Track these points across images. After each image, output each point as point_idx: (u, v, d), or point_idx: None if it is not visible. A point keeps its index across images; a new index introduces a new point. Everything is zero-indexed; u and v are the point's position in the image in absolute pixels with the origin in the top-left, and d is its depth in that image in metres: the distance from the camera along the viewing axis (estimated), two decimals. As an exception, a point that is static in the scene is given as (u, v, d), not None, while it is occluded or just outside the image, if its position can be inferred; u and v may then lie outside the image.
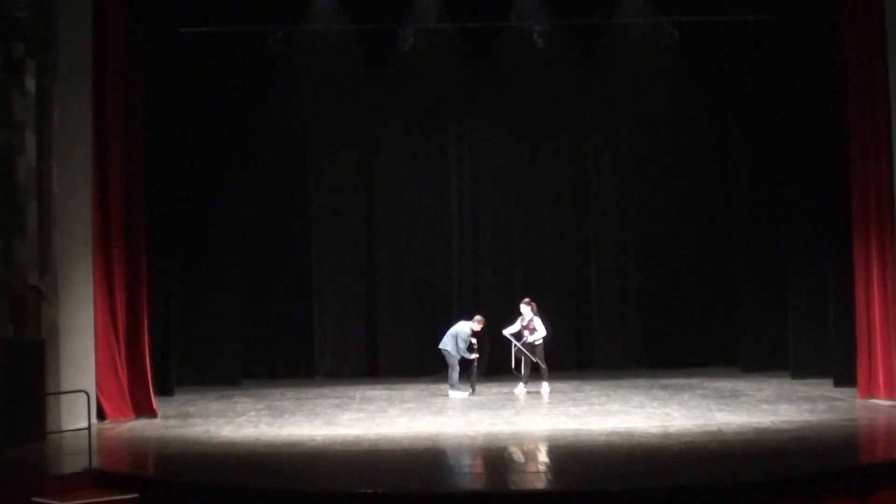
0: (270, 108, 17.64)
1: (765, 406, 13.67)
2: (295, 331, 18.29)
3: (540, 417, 13.37)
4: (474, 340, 15.54)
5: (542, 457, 10.75)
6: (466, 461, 10.86)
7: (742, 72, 17.15)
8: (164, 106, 15.70)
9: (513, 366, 15.72)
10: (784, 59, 16.13)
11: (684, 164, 18.30)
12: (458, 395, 15.35)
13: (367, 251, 18.53)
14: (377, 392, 16.27)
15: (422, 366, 17.16)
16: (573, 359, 18.55)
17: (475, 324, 15.57)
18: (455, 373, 15.37)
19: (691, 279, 18.48)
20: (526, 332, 15.69)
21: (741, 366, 17.77)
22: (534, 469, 10.17)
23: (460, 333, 15.48)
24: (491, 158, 18.56)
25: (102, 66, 13.45)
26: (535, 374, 15.96)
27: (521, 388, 15.81)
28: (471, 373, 15.67)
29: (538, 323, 15.67)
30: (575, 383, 16.82)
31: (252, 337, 17.99)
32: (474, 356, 15.48)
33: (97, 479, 9.78)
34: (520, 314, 15.79)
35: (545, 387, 15.78)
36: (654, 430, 11.85)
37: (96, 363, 13.32)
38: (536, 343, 15.71)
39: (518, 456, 10.88)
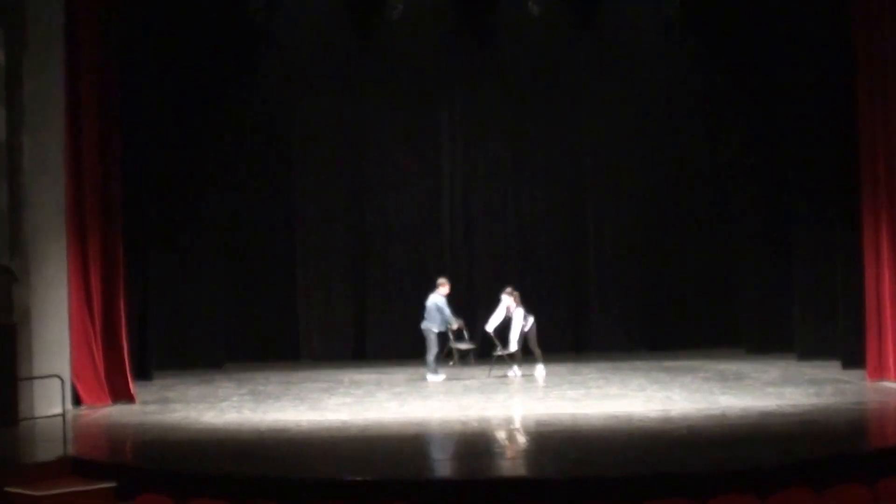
0: (253, 85, 17.49)
1: (770, 389, 13.64)
2: (279, 312, 18.29)
3: (535, 401, 13.31)
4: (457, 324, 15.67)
5: (538, 442, 10.67)
6: (459, 447, 10.78)
7: (746, 46, 16.86)
8: (142, 82, 15.59)
9: (498, 351, 15.71)
10: (790, 33, 15.89)
11: (686, 141, 18.17)
12: (436, 378, 15.30)
13: (356, 232, 18.47)
14: (366, 376, 16.18)
15: (412, 349, 16.95)
16: (570, 341, 18.52)
17: (442, 288, 15.47)
18: (432, 355, 15.32)
19: (693, 258, 18.44)
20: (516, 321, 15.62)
21: (745, 347, 17.77)
22: (529, 455, 10.14)
23: (436, 304, 15.37)
24: (485, 136, 18.41)
25: (76, 41, 13.35)
26: (528, 357, 15.86)
27: (511, 371, 15.74)
28: (465, 354, 15.96)
29: (518, 315, 15.42)
30: (572, 366, 16.75)
31: (234, 319, 17.96)
32: (457, 325, 15.56)
33: (73, 467, 9.76)
34: (507, 305, 15.58)
35: (540, 369, 15.69)
36: (654, 414, 11.82)
37: (71, 347, 13.27)
38: (525, 330, 15.52)
39: (513, 441, 10.88)
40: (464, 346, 16.41)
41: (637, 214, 18.65)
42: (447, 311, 15.42)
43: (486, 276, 18.29)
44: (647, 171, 18.52)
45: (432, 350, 15.50)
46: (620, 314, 18.72)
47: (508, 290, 15.75)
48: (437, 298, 15.52)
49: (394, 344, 18.10)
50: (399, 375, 16.17)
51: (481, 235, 18.54)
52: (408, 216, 18.47)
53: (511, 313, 15.57)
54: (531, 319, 15.58)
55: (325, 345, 18.55)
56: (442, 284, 15.56)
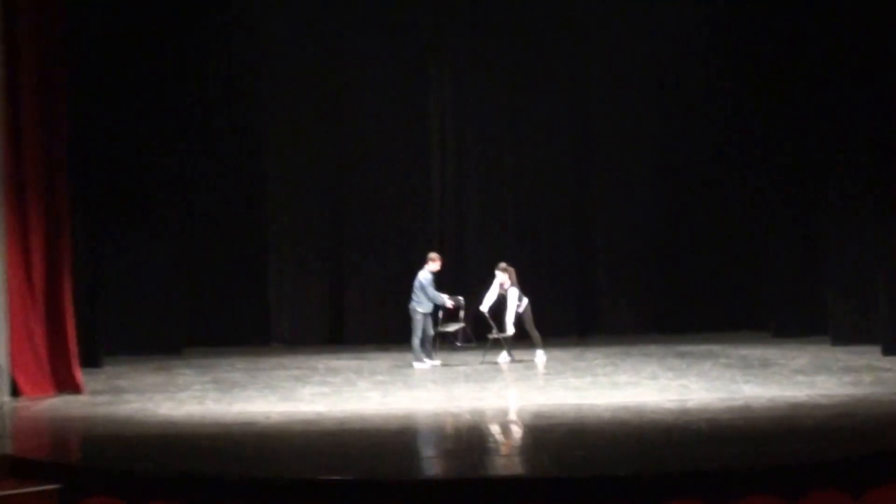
0: (216, 33, 17.52)
1: (800, 377, 13.63)
2: (246, 291, 18.46)
3: (535, 391, 13.34)
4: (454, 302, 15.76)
5: (538, 437, 10.68)
6: (449, 442, 10.80)
7: (784, 11, 17.00)
8: (91, 34, 15.57)
9: (494, 333, 15.87)
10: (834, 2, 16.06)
11: (707, 101, 18.21)
12: (423, 365, 15.47)
13: (333, 200, 18.61)
14: (344, 362, 16.27)
15: (397, 332, 16.98)
16: (574, 323, 18.64)
17: (431, 264, 15.54)
18: (417, 339, 15.45)
19: (713, 231, 18.57)
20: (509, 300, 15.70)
21: (772, 330, 17.92)
22: (528, 451, 10.13)
23: (420, 281, 15.45)
24: (478, 89, 18.49)
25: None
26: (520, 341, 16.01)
27: (504, 357, 15.95)
28: (453, 336, 16.32)
29: (513, 294, 15.48)
30: (576, 351, 16.88)
31: (196, 298, 18.08)
32: (452, 304, 15.60)
33: (11, 467, 9.70)
34: (501, 282, 15.67)
35: (540, 355, 15.81)
36: (668, 406, 11.82)
37: (8, 330, 13.21)
38: (520, 311, 15.66)
39: (509, 436, 10.92)
40: (451, 327, 16.49)
41: (651, 182, 18.75)
42: (431, 289, 15.47)
43: (479, 249, 18.39)
44: (663, 135, 18.59)
45: (417, 333, 15.55)
46: (631, 293, 18.82)
47: (502, 265, 15.75)
48: (423, 275, 15.58)
49: (376, 326, 18.26)
50: (382, 362, 16.22)
51: (474, 205, 18.65)
52: (391, 183, 18.54)
53: (505, 291, 15.60)
54: (525, 300, 15.63)
55: (298, 327, 18.71)
56: (431, 259, 15.65)
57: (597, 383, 13.71)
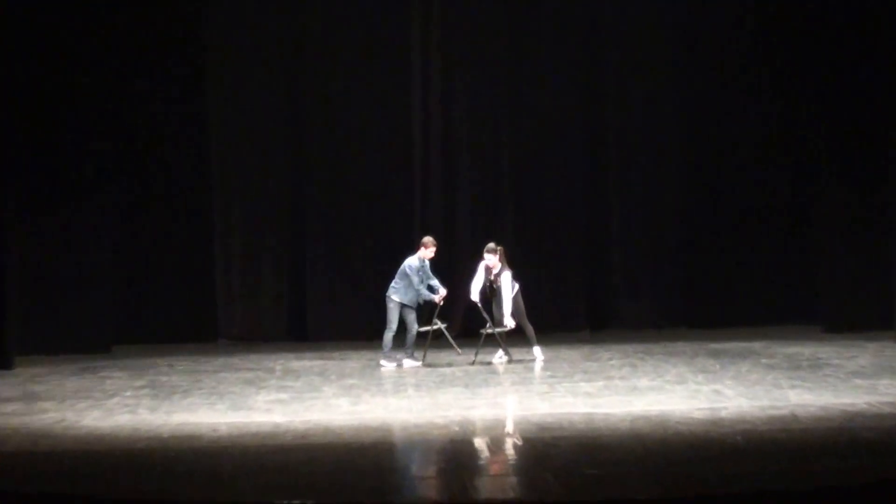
0: (154, 3, 18.15)
1: (858, 380, 13.66)
2: (190, 279, 18.75)
3: (538, 398, 13.30)
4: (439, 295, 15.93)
5: (541, 452, 10.60)
6: (433, 460, 10.75)
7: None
8: (10, 8, 16.35)
9: (487, 328, 16.00)
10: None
11: (746, 51, 18.63)
12: (389, 365, 15.75)
13: (293, 172, 18.81)
14: (306, 363, 16.42)
15: (370, 327, 17.16)
16: (584, 315, 18.77)
17: (423, 250, 15.75)
18: (389, 333, 15.70)
19: (753, 211, 18.82)
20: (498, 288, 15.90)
21: (824, 324, 18.20)
22: (528, 470, 10.09)
23: (407, 265, 15.71)
24: (468, 42, 18.64)
25: None
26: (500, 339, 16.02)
27: (499, 356, 16.13)
28: (436, 335, 16.19)
29: (506, 280, 15.61)
30: (587, 349, 17.05)
31: (128, 288, 18.38)
32: (437, 296, 15.78)
33: None
34: (485, 267, 15.82)
35: (538, 353, 15.99)
36: (698, 415, 11.81)
37: None
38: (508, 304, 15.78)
39: (506, 452, 10.86)
40: (432, 326, 16.44)
41: (676, 152, 18.93)
42: (416, 278, 15.65)
43: (471, 228, 18.57)
44: (691, 94, 18.85)
45: (390, 325, 15.74)
46: (652, 281, 18.97)
47: (491, 245, 15.84)
48: (410, 261, 15.84)
49: (344, 321, 18.48)
50: (352, 362, 16.29)
51: (465, 176, 18.80)
52: (364, 154, 18.69)
53: (495, 277, 15.70)
54: (516, 286, 15.79)
55: (250, 322, 18.99)
56: (424, 245, 15.93)
57: (612, 388, 13.69)
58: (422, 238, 16.15)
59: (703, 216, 19.01)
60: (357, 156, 18.74)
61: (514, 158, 18.99)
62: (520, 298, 15.88)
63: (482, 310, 16.00)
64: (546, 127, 18.95)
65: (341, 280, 18.81)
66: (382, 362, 15.82)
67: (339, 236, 18.81)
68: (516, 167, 19.01)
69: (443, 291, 15.90)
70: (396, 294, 15.73)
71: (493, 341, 16.20)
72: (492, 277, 15.76)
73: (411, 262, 15.77)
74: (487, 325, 16.04)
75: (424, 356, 16.27)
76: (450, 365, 16.02)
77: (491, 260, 15.70)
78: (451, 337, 16.52)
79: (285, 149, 18.85)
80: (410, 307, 15.82)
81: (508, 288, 15.67)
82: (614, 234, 19.19)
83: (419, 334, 16.14)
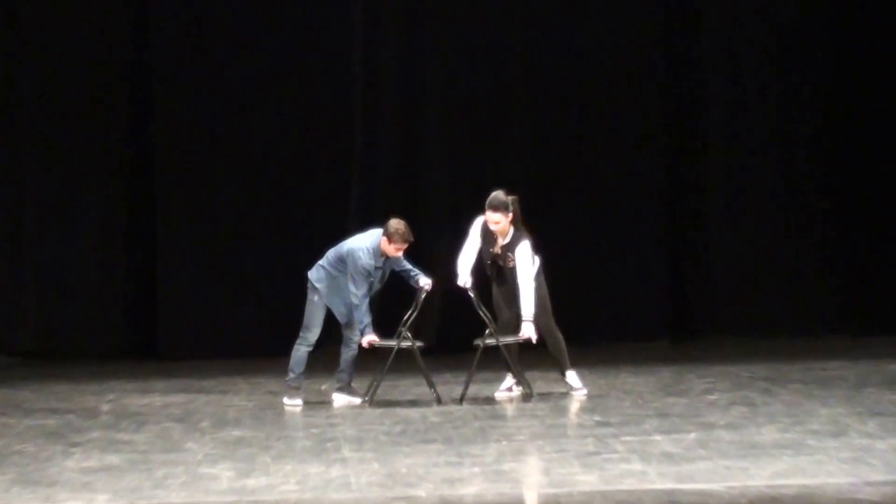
0: None
1: None
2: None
3: (577, 462, 11.53)
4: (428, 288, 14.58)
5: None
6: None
7: None
8: None
9: (486, 338, 14.65)
10: None
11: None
12: (345, 399, 14.88)
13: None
14: (158, 399, 15.54)
15: (267, 338, 17.59)
16: (661, 318, 18.77)
17: (387, 243, 14.45)
18: (303, 348, 14.77)
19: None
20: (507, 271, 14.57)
21: None
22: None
23: (352, 259, 14.40)
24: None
25: None
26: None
27: (507, 386, 14.86)
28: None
29: (524, 252, 14.25)
30: (667, 373, 16.26)
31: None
32: (422, 281, 14.72)
33: None
34: (485, 231, 14.59)
35: (573, 380, 14.66)
36: (872, 495, 10.23)
37: None
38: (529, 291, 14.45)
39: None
40: (397, 339, 15.09)
41: (798, 105, 19.37)
42: (362, 282, 14.46)
43: (451, 188, 18.62)
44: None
45: (305, 333, 14.62)
46: (758, 269, 19.00)
47: (499, 197, 14.37)
48: (360, 250, 14.74)
49: (221, 327, 18.58)
50: (236, 397, 15.54)
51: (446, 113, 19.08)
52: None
53: (501, 248, 14.39)
54: (537, 261, 14.65)
55: (59, 328, 18.89)
56: (389, 236, 14.75)
57: (712, 444, 11.89)
58: (387, 222, 14.56)
59: (839, 185, 19.45)
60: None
61: (577, 127, 19.34)
62: (543, 284, 14.41)
63: (477, 304, 14.29)
64: (618, 92, 19.44)
65: (215, 265, 18.84)
66: (287, 399, 14.46)
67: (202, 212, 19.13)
68: (577, 138, 19.32)
69: (425, 281, 14.61)
70: (320, 283, 14.39)
71: (495, 359, 14.69)
72: (497, 250, 14.11)
73: (360, 253, 14.30)
74: (487, 331, 14.25)
75: (374, 389, 14.65)
76: (417, 404, 14.50)
77: (498, 221, 14.14)
78: (423, 358, 15.04)
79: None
80: (343, 308, 14.73)
81: (528, 267, 14.07)
82: (706, 214, 19.57)
83: (369, 351, 14.74)
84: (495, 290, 14.44)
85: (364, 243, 14.17)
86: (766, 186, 19.93)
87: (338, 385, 14.49)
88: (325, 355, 15.63)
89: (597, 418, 13.29)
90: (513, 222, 14.13)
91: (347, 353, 14.38)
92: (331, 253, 14.42)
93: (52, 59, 19.50)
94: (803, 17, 20.17)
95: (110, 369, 17.61)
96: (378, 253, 14.17)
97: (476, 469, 11.15)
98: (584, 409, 14.02)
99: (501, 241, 14.13)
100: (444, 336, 17.52)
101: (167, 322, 18.83)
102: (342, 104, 19.63)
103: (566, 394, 14.53)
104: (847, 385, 15.11)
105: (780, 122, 19.90)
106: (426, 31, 19.61)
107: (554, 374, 14.87)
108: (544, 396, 14.54)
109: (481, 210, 14.67)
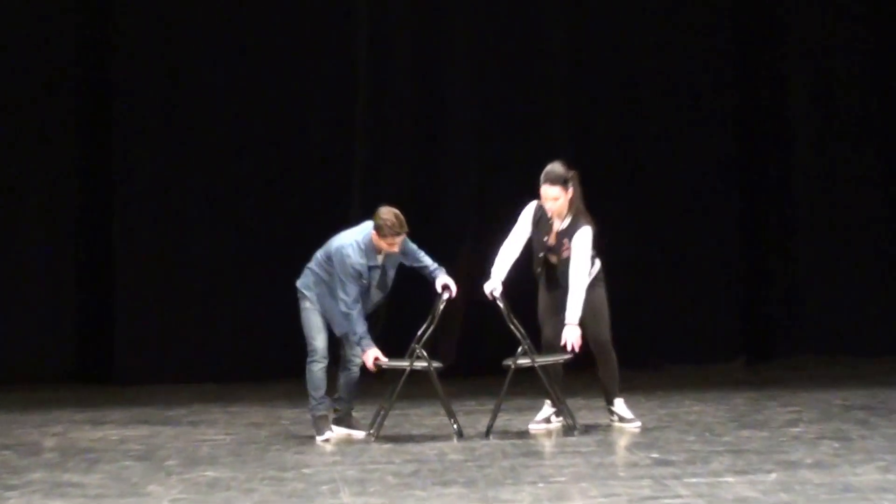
0: None
1: None
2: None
3: None
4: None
5: None
6: None
7: None
8: None
9: (519, 357, 13.81)
10: None
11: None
12: (344, 432, 14.18)
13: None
14: (114, 432, 14.83)
15: (258, 362, 17.56)
16: (732, 334, 18.56)
17: (376, 238, 13.79)
18: (318, 367, 14.03)
19: None
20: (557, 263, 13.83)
21: None
22: None
23: (338, 257, 13.80)
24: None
25: None
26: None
27: (545, 417, 14.13)
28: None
29: (584, 237, 13.48)
30: (741, 399, 15.70)
31: None
32: (442, 284, 13.97)
33: None
34: (538, 217, 13.81)
35: (622, 409, 13.96)
36: None
37: None
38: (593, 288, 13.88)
39: None
40: (410, 360, 14.31)
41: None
42: (351, 286, 13.89)
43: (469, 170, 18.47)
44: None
45: (312, 350, 13.76)
46: (850, 271, 18.70)
47: (557, 168, 13.35)
48: (346, 246, 13.99)
49: (194, 343, 18.28)
50: (213, 429, 14.81)
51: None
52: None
53: (556, 234, 13.47)
54: (597, 264, 13.92)
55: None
56: (378, 229, 14.03)
57: (797, 487, 10.98)
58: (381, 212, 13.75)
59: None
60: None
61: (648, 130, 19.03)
62: (603, 292, 13.63)
63: (507, 315, 13.34)
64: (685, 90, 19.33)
65: (184, 273, 18.57)
66: (318, 435, 13.64)
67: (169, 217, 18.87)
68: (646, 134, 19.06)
69: (444, 281, 13.88)
70: (312, 291, 13.78)
71: (530, 384, 14.03)
72: (552, 240, 13.17)
73: (348, 250, 13.65)
74: (520, 348, 13.27)
75: (381, 420, 13.84)
76: (433, 438, 13.71)
77: (557, 197, 13.31)
78: (442, 382, 14.10)
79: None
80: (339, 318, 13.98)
81: (585, 258, 13.24)
82: (789, 217, 19.35)
83: (374, 373, 13.89)
84: (543, 296, 13.54)
85: (354, 238, 13.48)
86: (858, 180, 19.40)
87: (335, 415, 13.62)
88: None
89: (654, 455, 12.29)
90: (572, 203, 13.25)
91: (346, 376, 13.60)
92: (319, 253, 13.75)
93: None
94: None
95: (56, 396, 17.11)
96: (372, 249, 13.47)
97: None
98: (638, 445, 13.02)
99: (558, 226, 13.27)
100: (468, 355, 16.98)
101: (125, 340, 18.11)
102: (338, 85, 18.97)
103: (612, 423, 13.83)
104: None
105: (868, 127, 19.52)
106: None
107: (599, 400, 14.19)
108: (590, 429, 13.62)
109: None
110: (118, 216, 18.87)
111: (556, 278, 13.28)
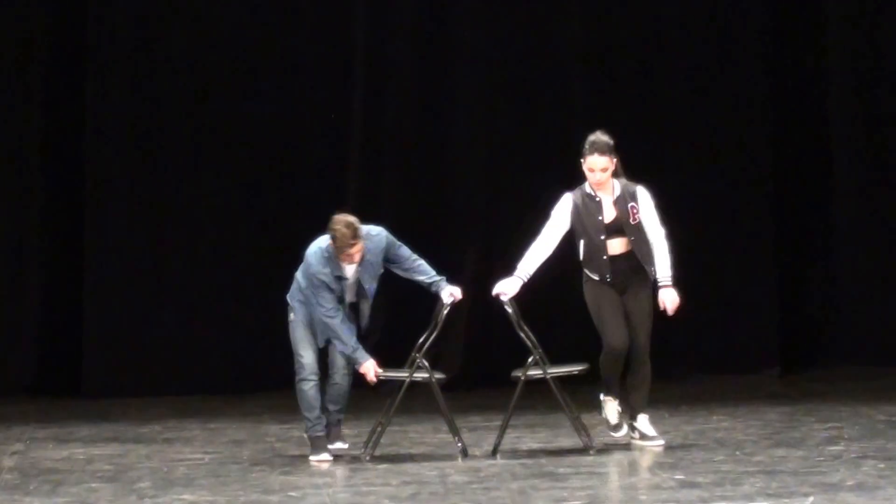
0: None
1: None
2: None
3: None
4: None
5: None
6: None
7: None
8: None
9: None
10: None
11: None
12: (323, 457, 13.72)
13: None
14: (80, 450, 14.54)
15: (240, 374, 17.28)
16: (766, 343, 18.17)
17: (333, 248, 13.58)
18: (309, 384, 13.73)
19: None
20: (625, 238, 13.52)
21: None
22: None
23: (306, 259, 13.73)
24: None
25: None
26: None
27: (615, 423, 13.89)
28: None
29: (647, 193, 13.54)
30: (776, 414, 15.63)
31: None
32: (444, 292, 13.76)
33: None
34: (579, 206, 13.61)
35: (645, 426, 13.77)
36: None
37: None
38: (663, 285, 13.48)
39: None
40: (409, 371, 14.05)
41: None
42: (326, 294, 13.64)
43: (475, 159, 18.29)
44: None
45: (300, 369, 13.46)
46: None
47: (602, 135, 13.42)
48: (312, 254, 13.89)
49: (168, 355, 17.94)
50: (189, 449, 14.58)
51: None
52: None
53: (616, 211, 13.46)
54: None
55: None
56: (339, 227, 13.63)
57: None
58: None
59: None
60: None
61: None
62: (651, 295, 13.72)
63: (517, 322, 12.98)
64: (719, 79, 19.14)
65: (159, 278, 18.27)
66: (313, 455, 13.33)
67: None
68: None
69: (449, 290, 13.56)
70: (295, 299, 13.65)
71: (542, 397, 13.83)
72: (607, 218, 13.38)
73: (311, 259, 13.64)
74: (531, 359, 13.00)
75: (377, 437, 13.53)
76: (434, 457, 13.52)
77: (606, 167, 13.39)
78: (444, 395, 13.85)
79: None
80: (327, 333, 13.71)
81: (656, 212, 13.61)
82: (828, 214, 19.19)
83: (376, 386, 13.85)
84: (606, 298, 13.18)
85: (319, 245, 13.30)
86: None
87: (308, 431, 13.42)
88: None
89: (679, 476, 12.01)
90: (616, 172, 13.28)
91: (335, 388, 13.33)
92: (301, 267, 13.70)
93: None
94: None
95: (16, 410, 16.61)
96: (336, 257, 13.23)
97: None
98: (661, 465, 12.76)
99: (610, 198, 13.12)
100: (473, 365, 16.66)
101: (94, 347, 17.57)
102: (335, 77, 18.55)
103: (637, 445, 13.33)
104: None
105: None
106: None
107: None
108: (608, 448, 13.30)
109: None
110: (89, 214, 18.37)
111: (625, 271, 13.10)
